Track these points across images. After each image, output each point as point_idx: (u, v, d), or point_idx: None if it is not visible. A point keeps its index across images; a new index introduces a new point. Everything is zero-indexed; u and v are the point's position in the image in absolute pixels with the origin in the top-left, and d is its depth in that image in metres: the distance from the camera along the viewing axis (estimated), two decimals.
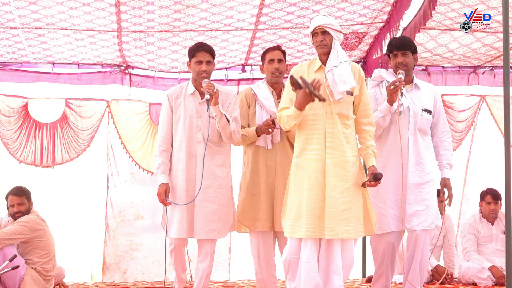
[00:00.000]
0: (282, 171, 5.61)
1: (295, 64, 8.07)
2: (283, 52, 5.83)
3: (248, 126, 5.75)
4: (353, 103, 5.01)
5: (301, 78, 4.79)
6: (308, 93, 4.73)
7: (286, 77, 8.06)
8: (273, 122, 5.55)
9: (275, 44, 7.72)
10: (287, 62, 5.90)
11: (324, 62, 4.98)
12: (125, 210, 8.35)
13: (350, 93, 4.93)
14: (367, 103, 5.04)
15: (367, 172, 4.98)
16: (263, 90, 5.77)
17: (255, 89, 5.80)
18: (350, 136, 4.94)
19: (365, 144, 5.02)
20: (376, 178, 4.86)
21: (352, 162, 4.90)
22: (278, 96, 5.74)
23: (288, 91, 5.02)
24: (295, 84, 4.80)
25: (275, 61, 5.72)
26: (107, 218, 8.28)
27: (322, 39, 4.92)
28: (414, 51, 5.50)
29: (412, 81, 5.50)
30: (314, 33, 4.96)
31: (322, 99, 4.76)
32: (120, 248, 8.29)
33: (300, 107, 4.80)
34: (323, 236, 4.79)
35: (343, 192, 4.82)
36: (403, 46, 5.44)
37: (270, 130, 5.57)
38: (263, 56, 5.86)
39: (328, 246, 4.86)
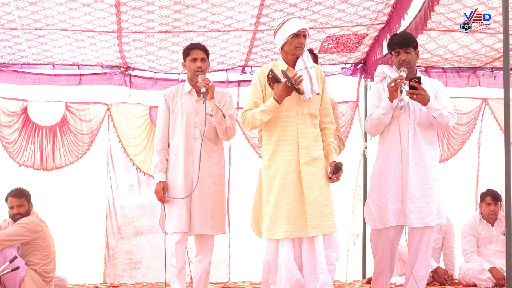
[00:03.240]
0: None
1: None
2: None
3: None
4: None
5: (282, 71, 4.91)
6: (288, 85, 4.88)
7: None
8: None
9: (275, 45, 7.77)
10: None
11: (290, 64, 5.12)
12: (124, 226, 8.35)
13: (318, 94, 5.09)
14: (328, 102, 5.21)
15: (329, 167, 5.10)
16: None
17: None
18: (318, 135, 5.10)
19: (326, 142, 5.16)
20: (336, 167, 5.01)
21: (322, 159, 5.06)
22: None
23: (253, 93, 5.14)
24: (274, 78, 4.93)
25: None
26: (107, 235, 8.27)
27: (303, 42, 5.07)
28: (415, 46, 5.49)
29: (415, 76, 5.49)
30: (296, 35, 5.04)
31: (301, 92, 4.92)
32: (120, 267, 8.30)
33: (280, 99, 4.93)
34: (305, 235, 4.88)
35: (321, 189, 4.96)
36: (406, 43, 5.42)
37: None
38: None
39: (310, 245, 4.91)
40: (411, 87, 5.23)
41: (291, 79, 4.85)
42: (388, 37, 7.32)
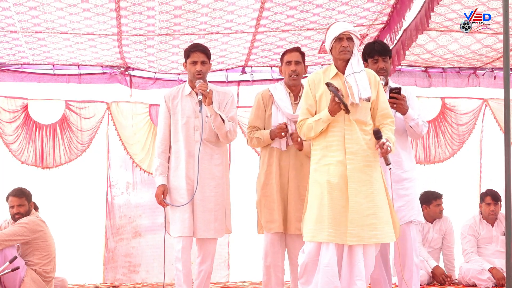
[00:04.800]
0: (295, 173, 5.63)
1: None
2: (302, 54, 5.79)
3: (264, 128, 5.74)
4: (371, 109, 5.03)
5: (333, 87, 4.82)
6: (337, 102, 4.79)
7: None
8: (286, 126, 5.55)
9: (274, 46, 7.74)
10: None
11: (340, 69, 5.02)
12: (123, 226, 8.35)
13: (368, 100, 4.95)
14: (386, 108, 5.05)
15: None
16: (280, 92, 5.74)
17: (272, 90, 5.78)
18: (370, 142, 4.94)
19: (383, 125, 4.99)
20: (374, 133, 4.85)
21: (374, 167, 4.92)
22: (296, 98, 5.74)
23: (305, 101, 5.07)
24: (329, 91, 4.85)
25: (292, 63, 5.68)
26: (107, 236, 8.29)
27: (347, 45, 4.95)
28: (391, 56, 5.60)
29: (387, 84, 5.55)
30: (339, 38, 4.96)
31: (347, 111, 4.81)
32: (119, 270, 8.32)
33: (332, 113, 4.86)
34: (344, 242, 4.80)
35: (367, 197, 4.84)
36: (385, 52, 5.49)
37: (283, 134, 5.56)
38: (281, 58, 5.83)
39: (350, 252, 4.86)
40: (391, 97, 5.29)
41: (340, 95, 4.77)
42: (388, 38, 7.36)
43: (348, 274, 4.86)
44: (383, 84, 5.34)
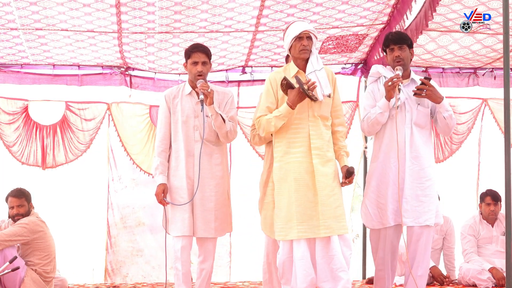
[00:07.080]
0: None
1: None
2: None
3: None
4: None
5: (296, 78, 4.92)
6: (302, 92, 4.87)
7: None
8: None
9: (275, 46, 7.75)
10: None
11: (300, 67, 5.11)
12: (126, 216, 8.36)
13: (329, 96, 5.08)
14: (339, 104, 5.21)
15: (341, 172, 5.12)
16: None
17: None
18: (330, 137, 5.11)
19: (337, 145, 5.17)
20: (348, 172, 5.02)
21: (333, 162, 5.07)
22: None
23: (266, 98, 5.16)
24: (288, 85, 4.93)
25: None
26: (109, 225, 8.29)
27: (307, 44, 5.06)
28: (410, 45, 5.52)
29: (409, 75, 5.51)
30: (299, 37, 5.05)
31: (314, 99, 4.91)
32: (121, 253, 8.33)
33: (293, 105, 4.94)
34: (317, 235, 4.89)
35: (333, 190, 4.97)
36: (400, 40, 5.45)
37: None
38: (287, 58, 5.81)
39: (326, 244, 4.92)
40: (422, 83, 5.28)
41: (303, 85, 4.85)
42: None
43: (326, 267, 4.91)
44: (401, 74, 5.33)
